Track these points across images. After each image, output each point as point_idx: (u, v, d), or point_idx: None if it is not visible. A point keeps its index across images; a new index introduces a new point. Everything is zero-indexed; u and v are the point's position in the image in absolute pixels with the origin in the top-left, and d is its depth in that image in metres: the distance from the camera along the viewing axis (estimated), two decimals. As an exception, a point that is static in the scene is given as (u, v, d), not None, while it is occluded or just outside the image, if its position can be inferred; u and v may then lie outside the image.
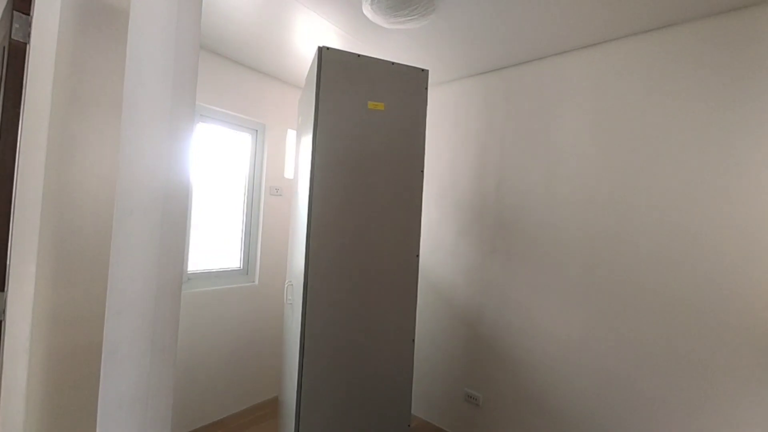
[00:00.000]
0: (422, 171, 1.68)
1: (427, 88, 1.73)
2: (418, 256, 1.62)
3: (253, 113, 2.55)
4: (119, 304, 0.52)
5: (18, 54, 0.99)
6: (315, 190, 1.48)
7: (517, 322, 2.09)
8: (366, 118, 1.58)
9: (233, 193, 2.58)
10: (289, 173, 2.82)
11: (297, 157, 2.00)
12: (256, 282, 2.59)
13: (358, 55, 1.59)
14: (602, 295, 1.82)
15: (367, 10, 1.66)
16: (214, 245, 2.46)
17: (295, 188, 2.00)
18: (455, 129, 2.49)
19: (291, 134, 2.83)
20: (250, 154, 2.63)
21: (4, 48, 1.05)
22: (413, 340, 1.58)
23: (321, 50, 1.52)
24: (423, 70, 1.72)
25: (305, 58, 2.31)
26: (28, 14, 1.04)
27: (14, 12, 1.02)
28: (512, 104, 2.21)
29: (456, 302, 2.38)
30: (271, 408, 2.53)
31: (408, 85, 1.68)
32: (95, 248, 0.79)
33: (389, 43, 2.10)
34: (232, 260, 2.56)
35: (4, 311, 0.97)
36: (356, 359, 1.51)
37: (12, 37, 1.00)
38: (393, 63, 1.65)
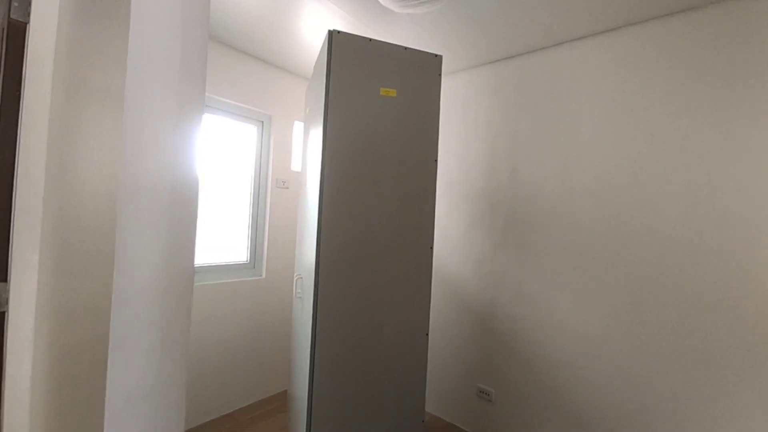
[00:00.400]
0: (436, 160, 1.63)
1: (440, 75, 1.67)
2: (431, 247, 1.57)
3: (259, 104, 2.50)
4: (126, 295, 0.47)
5: (17, 33, 0.94)
6: (325, 181, 1.43)
7: (531, 316, 2.03)
8: (378, 105, 1.53)
9: (239, 186, 2.54)
10: (295, 166, 2.78)
11: (305, 148, 1.95)
12: (263, 275, 2.56)
13: (370, 40, 1.53)
14: (621, 288, 1.76)
15: (378, -8, 1.59)
16: (221, 239, 2.42)
17: (303, 180, 1.96)
18: (465, 120, 2.42)
19: (297, 126, 2.78)
20: (256, 147, 2.58)
21: (3, 29, 1.01)
22: (427, 334, 1.54)
23: (331, 34, 1.47)
24: (436, 55, 1.66)
25: (312, 46, 2.25)
26: (28, -8, 0.99)
27: (13, -10, 0.97)
28: (525, 93, 2.14)
29: (467, 296, 2.33)
30: (280, 402, 2.50)
31: (421, 71, 1.62)
32: (100, 239, 0.75)
33: (398, 30, 2.04)
34: (239, 254, 2.52)
35: (7, 302, 0.93)
36: (369, 353, 1.47)
37: (11, 16, 0.95)
38: (406, 48, 1.59)
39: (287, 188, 2.70)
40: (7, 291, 0.93)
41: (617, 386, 1.74)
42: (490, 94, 2.31)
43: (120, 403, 0.47)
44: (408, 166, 1.56)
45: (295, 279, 1.79)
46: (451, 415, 2.35)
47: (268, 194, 2.59)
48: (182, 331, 0.52)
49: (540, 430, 1.97)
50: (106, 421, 0.45)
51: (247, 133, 2.55)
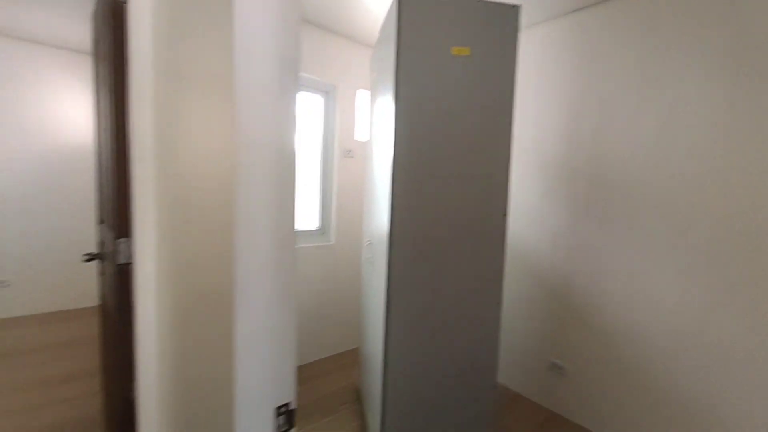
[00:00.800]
0: (510, 123, 1.52)
1: (517, 28, 1.53)
2: (505, 215, 1.50)
3: (324, 74, 2.52)
4: (245, 247, 0.53)
5: (118, 13, 1.03)
6: (397, 147, 1.41)
7: (615, 293, 1.89)
8: (450, 65, 1.45)
9: (310, 155, 2.64)
10: (359, 135, 2.80)
11: (372, 116, 1.94)
12: (333, 241, 2.68)
13: (440, -7, 1.44)
14: (733, 263, 1.53)
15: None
16: (296, 206, 2.56)
17: (370, 149, 1.97)
18: (541, 80, 2.21)
19: (361, 95, 2.77)
20: (322, 117, 2.64)
21: (105, 10, 1.12)
22: (499, 304, 1.51)
23: (401, -10, 1.40)
24: (513, 6, 1.51)
25: (375, 12, 2.19)
26: (128, -26, 1.07)
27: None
28: (615, 45, 1.88)
29: (541, 268, 2.22)
30: (351, 358, 2.68)
31: (496, 26, 1.49)
32: (213, 200, 0.83)
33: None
34: (311, 221, 2.66)
35: (132, 255, 1.09)
36: (442, 319, 1.48)
37: (116, -3, 1.04)
38: (479, 0, 1.47)
39: (352, 158, 2.75)
40: (132, 245, 1.09)
41: (720, 370, 1.57)
42: (572, 49, 2.06)
43: (246, 342, 0.53)
44: (482, 129, 1.48)
45: (365, 244, 1.85)
46: (521, 387, 2.33)
47: (335, 163, 2.66)
48: (290, 281, 0.57)
49: (619, 411, 1.87)
50: (237, 357, 0.52)
51: (314, 103, 2.61)
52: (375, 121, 1.82)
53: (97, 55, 1.65)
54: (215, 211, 0.64)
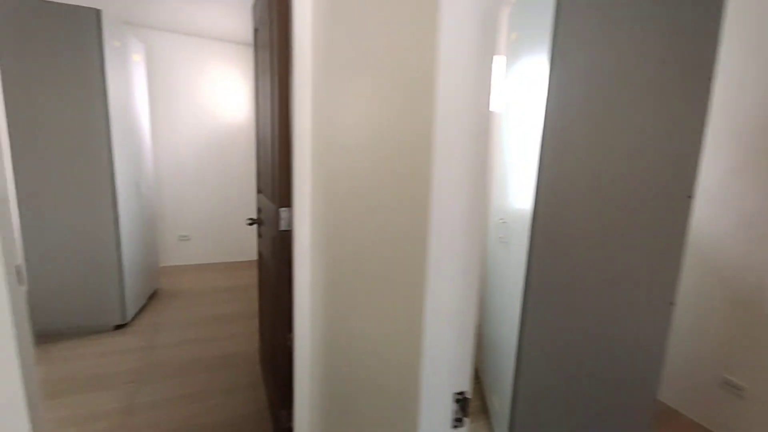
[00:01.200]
0: (710, 80, 1.19)
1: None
2: (690, 197, 1.21)
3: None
4: (440, 225, 0.51)
5: (282, 1, 1.10)
6: (549, 117, 1.22)
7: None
8: (631, 8, 1.18)
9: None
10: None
11: (507, 84, 1.75)
12: (453, 218, 2.62)
13: None
14: None
15: None
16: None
17: (502, 119, 1.80)
18: (748, 19, 1.67)
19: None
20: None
21: (266, 0, 1.21)
22: (672, 305, 1.25)
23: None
24: None
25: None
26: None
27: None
28: None
29: (723, 262, 1.77)
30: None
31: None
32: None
33: None
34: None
35: (292, 223, 1.22)
36: (594, 317, 1.29)
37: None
38: None
39: (477, 130, 2.59)
40: (292, 215, 1.22)
41: None
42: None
43: (433, 324, 0.52)
44: (667, 90, 1.19)
45: (496, 221, 1.74)
46: (679, 402, 1.94)
47: (459, 137, 2.54)
48: (476, 262, 0.53)
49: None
50: (424, 338, 0.52)
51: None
52: (512, 89, 1.64)
53: (256, 43, 1.84)
54: (391, 186, 0.64)
